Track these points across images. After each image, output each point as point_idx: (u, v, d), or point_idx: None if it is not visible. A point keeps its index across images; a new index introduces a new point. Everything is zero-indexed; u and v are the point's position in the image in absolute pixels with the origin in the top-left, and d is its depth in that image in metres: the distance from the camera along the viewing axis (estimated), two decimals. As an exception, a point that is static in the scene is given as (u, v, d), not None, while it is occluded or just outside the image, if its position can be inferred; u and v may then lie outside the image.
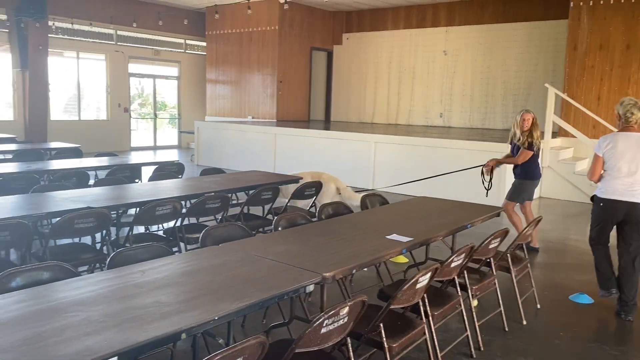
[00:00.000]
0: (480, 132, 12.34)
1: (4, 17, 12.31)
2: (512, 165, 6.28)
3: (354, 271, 2.92)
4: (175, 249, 4.40)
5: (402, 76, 15.06)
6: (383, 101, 15.47)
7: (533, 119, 5.76)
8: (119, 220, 4.50)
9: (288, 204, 5.58)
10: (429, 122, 14.67)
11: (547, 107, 9.70)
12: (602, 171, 4.25)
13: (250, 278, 2.57)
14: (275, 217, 3.92)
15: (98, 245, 4.36)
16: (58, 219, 3.73)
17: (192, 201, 4.62)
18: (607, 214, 4.27)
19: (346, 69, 16.04)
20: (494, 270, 3.91)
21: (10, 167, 5.98)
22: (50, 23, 12.90)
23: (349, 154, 10.43)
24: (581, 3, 10.13)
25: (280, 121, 14.31)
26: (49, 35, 13.10)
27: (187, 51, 16.63)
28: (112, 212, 4.09)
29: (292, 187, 5.65)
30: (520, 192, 5.93)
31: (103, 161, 6.81)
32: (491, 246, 3.69)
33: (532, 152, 5.76)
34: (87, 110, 14.89)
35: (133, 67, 15.42)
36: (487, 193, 6.12)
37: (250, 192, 5.14)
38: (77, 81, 14.37)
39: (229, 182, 5.42)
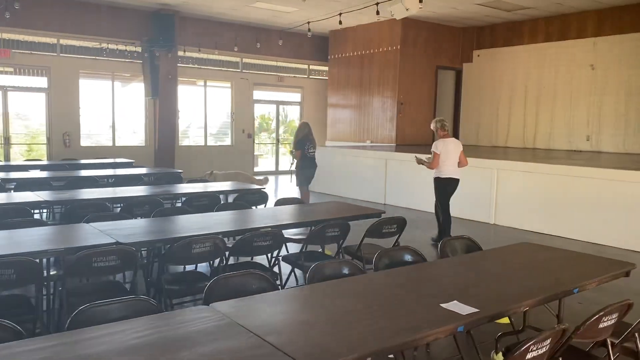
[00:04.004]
0: (637, 159, 10.34)
1: (139, 49, 13.14)
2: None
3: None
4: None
5: (541, 95, 13.39)
6: (518, 123, 13.89)
7: (301, 130, 8.62)
8: (150, 259, 4.04)
9: (363, 242, 4.76)
10: (573, 147, 12.80)
11: None
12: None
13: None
14: (313, 266, 3.15)
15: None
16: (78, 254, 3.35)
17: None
18: (446, 187, 6.91)
19: (477, 89, 14.73)
20: (611, 356, 2.74)
21: (95, 194, 5.93)
22: (180, 53, 13.54)
23: (466, 183, 9.24)
24: None
25: (399, 145, 13.46)
26: (180, 64, 13.76)
27: (310, 76, 16.55)
28: (144, 249, 3.64)
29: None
30: (302, 179, 8.68)
31: (187, 188, 6.56)
32: (602, 325, 2.56)
33: (299, 152, 8.43)
34: (213, 137, 15.36)
35: (257, 94, 15.66)
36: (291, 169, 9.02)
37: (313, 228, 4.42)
38: (205, 108, 14.89)
39: (293, 216, 4.76)
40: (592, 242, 7.49)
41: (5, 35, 11.64)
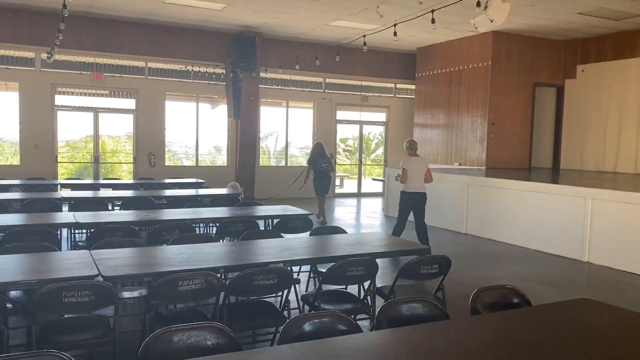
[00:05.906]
0: None
1: (222, 71, 13.31)
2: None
3: None
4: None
5: (658, 113, 11.70)
6: (630, 146, 12.23)
7: (314, 149, 10.62)
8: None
9: (397, 283, 4.07)
10: (697, 173, 10.99)
11: None
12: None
13: None
14: (288, 321, 2.56)
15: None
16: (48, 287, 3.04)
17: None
18: (412, 200, 7.75)
19: (581, 107, 13.23)
20: None
21: (127, 216, 5.77)
22: (263, 74, 13.53)
23: (554, 213, 8.11)
24: None
25: (490, 169, 12.37)
26: (263, 86, 13.75)
27: (396, 96, 15.88)
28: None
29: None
30: (318, 189, 10.29)
31: (230, 211, 6.22)
32: None
33: (311, 167, 10.36)
34: (293, 157, 15.16)
35: (340, 114, 15.28)
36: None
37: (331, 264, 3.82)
38: (286, 129, 14.76)
39: (316, 249, 4.18)
40: None
41: (98, 60, 12.27)
